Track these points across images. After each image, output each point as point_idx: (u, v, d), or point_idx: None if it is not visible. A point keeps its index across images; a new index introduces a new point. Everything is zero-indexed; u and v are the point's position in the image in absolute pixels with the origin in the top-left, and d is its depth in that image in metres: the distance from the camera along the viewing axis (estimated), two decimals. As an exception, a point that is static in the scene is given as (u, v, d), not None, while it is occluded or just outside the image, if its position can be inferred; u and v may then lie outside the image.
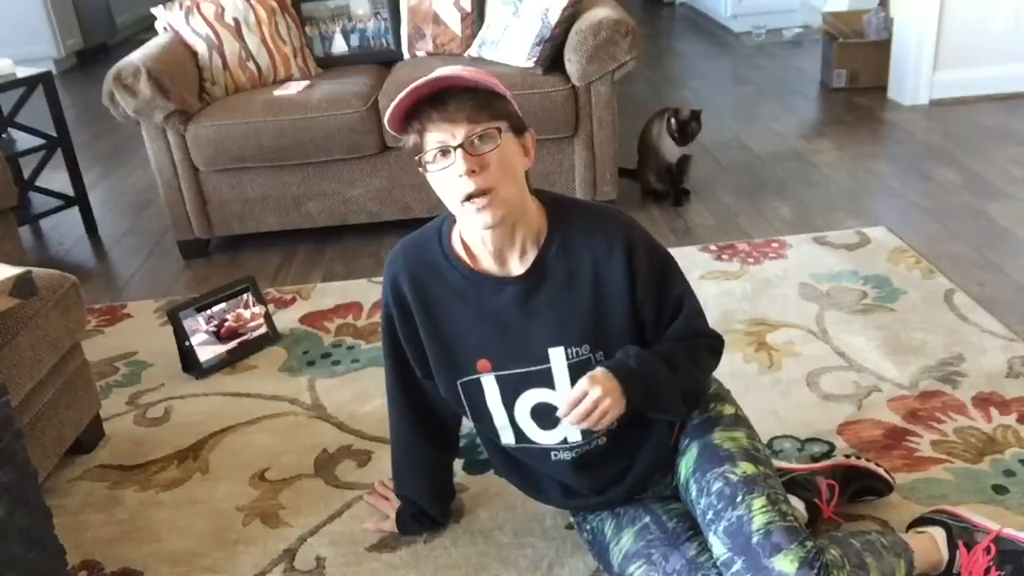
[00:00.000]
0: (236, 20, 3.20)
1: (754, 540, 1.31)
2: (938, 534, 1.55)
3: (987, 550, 1.50)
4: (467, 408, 1.53)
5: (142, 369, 2.46)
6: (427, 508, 1.73)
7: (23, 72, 3.37)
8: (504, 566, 1.65)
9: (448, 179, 1.32)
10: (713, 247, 2.87)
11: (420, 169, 1.37)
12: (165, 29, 3.24)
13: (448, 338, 1.47)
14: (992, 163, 3.39)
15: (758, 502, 1.35)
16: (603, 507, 1.57)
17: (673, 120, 3.13)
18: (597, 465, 1.53)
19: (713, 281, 2.65)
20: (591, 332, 1.42)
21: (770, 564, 1.28)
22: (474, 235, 1.42)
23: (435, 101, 1.29)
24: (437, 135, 1.31)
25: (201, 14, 3.18)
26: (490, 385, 1.47)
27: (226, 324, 2.45)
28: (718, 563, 1.35)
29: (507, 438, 1.53)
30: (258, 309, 2.52)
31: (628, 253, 1.40)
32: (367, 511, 1.83)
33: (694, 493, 1.44)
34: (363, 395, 2.21)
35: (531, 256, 1.42)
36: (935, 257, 2.68)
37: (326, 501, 1.87)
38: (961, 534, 1.53)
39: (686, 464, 1.48)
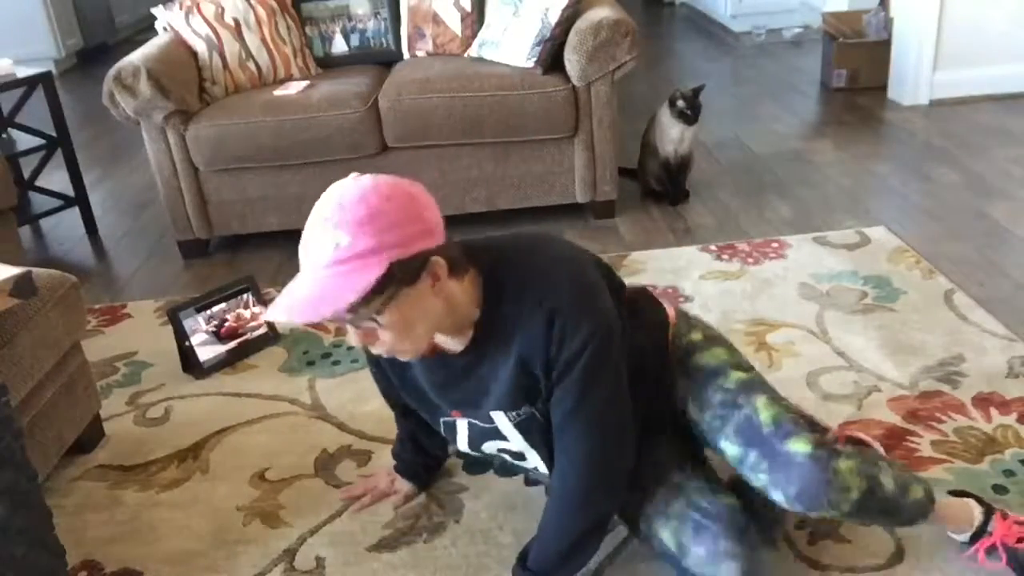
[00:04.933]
0: (236, 20, 3.20)
1: (765, 431, 1.40)
2: (972, 502, 1.60)
3: (1022, 523, 1.55)
4: (450, 439, 1.65)
5: (142, 369, 2.46)
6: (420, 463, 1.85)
7: (23, 72, 3.37)
8: (504, 566, 1.65)
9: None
10: (713, 247, 2.87)
11: None
12: (165, 29, 3.23)
13: (420, 395, 1.58)
14: (992, 163, 3.39)
15: (760, 400, 1.44)
16: None
17: (681, 100, 3.12)
18: None
19: (713, 281, 2.65)
20: (526, 397, 1.44)
21: (784, 447, 1.37)
22: None
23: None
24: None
25: (201, 14, 3.18)
26: (462, 430, 1.58)
27: (226, 324, 2.45)
28: (731, 464, 1.44)
29: (496, 463, 1.71)
30: (258, 309, 2.52)
31: (548, 327, 1.35)
32: (370, 510, 1.84)
33: (696, 412, 1.50)
34: (363, 395, 2.21)
35: (469, 335, 1.43)
36: (935, 257, 2.68)
37: (326, 501, 1.87)
38: (996, 509, 1.59)
39: (683, 387, 1.53)
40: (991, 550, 1.54)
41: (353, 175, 1.33)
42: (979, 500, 1.60)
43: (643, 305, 1.61)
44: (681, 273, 2.72)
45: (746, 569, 1.39)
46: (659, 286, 2.64)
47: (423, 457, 1.85)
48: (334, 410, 2.18)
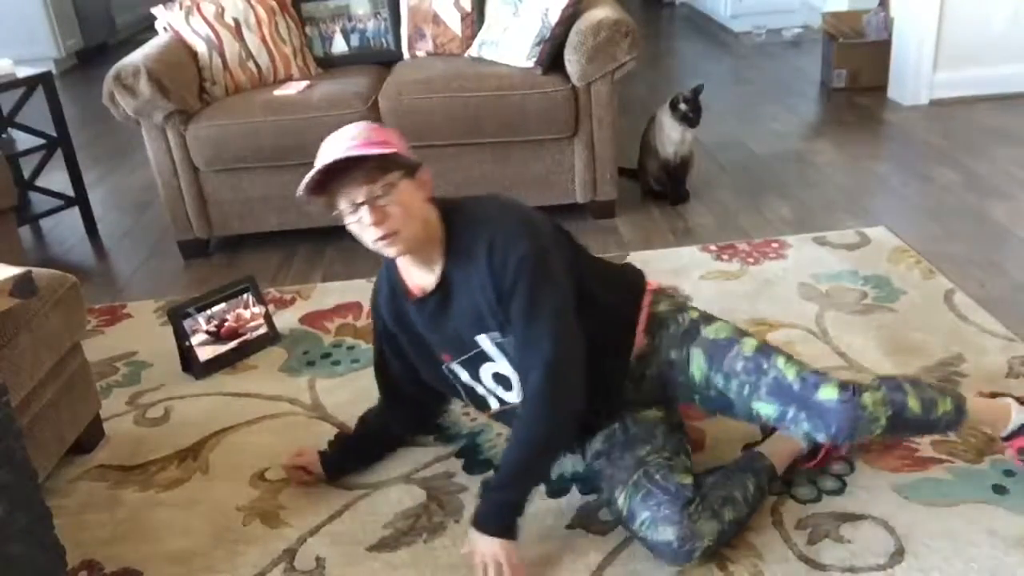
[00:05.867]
0: (236, 20, 3.20)
1: (796, 388, 1.59)
2: (1012, 402, 1.76)
3: None
4: (458, 389, 1.81)
5: (142, 369, 2.46)
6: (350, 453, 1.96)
7: (23, 72, 3.37)
8: (504, 566, 1.65)
9: (361, 227, 1.58)
10: (713, 247, 2.87)
11: (340, 221, 1.62)
12: (165, 29, 3.23)
13: (418, 345, 1.79)
14: (992, 163, 3.39)
15: (780, 360, 1.63)
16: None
17: (683, 104, 3.12)
18: None
19: (713, 281, 2.65)
20: (496, 320, 1.63)
21: (816, 398, 1.57)
22: (400, 263, 1.72)
23: (341, 172, 1.54)
24: (347, 197, 1.56)
25: (201, 14, 3.18)
26: (459, 369, 1.76)
27: (226, 324, 2.45)
28: (772, 419, 1.62)
29: (494, 404, 1.79)
30: (258, 309, 2.52)
31: (489, 250, 1.60)
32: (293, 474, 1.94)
33: (722, 382, 1.66)
34: (363, 395, 2.20)
35: (439, 269, 1.66)
36: (935, 257, 2.68)
37: (326, 501, 1.87)
38: None
39: (698, 367, 1.69)
40: (1022, 451, 1.71)
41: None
42: (1021, 400, 1.75)
43: (626, 270, 1.88)
44: (681, 273, 2.72)
45: (680, 535, 1.56)
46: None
47: (363, 453, 1.97)
48: (334, 410, 2.18)
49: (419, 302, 1.70)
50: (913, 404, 1.61)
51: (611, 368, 1.74)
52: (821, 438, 1.60)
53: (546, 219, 1.72)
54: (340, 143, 1.56)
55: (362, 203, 1.54)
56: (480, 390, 1.78)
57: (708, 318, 1.76)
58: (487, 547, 1.58)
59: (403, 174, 1.57)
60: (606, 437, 1.75)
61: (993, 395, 1.82)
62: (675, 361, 1.71)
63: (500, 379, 1.73)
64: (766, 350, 1.66)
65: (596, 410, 1.77)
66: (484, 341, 1.68)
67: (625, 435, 1.73)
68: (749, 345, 1.67)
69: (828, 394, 1.57)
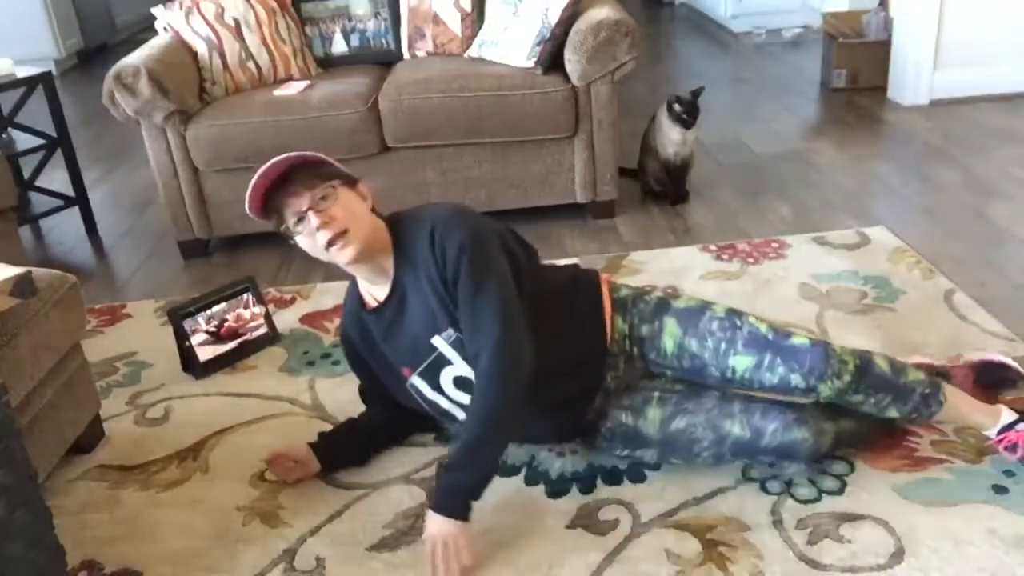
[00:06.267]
0: (236, 20, 3.20)
1: (770, 337, 1.73)
2: (1004, 408, 1.80)
3: None
4: (423, 406, 1.84)
5: (142, 369, 2.46)
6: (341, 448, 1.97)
7: (23, 72, 3.37)
8: (504, 566, 1.65)
9: (310, 237, 1.64)
10: (713, 247, 2.87)
11: (290, 241, 1.69)
12: (165, 29, 3.24)
13: (382, 363, 1.85)
14: (992, 163, 3.39)
15: (751, 319, 1.77)
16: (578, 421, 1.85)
17: (677, 105, 3.12)
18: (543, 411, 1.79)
19: (713, 281, 2.65)
20: (448, 315, 1.69)
21: (789, 343, 1.71)
22: (357, 276, 1.79)
23: (281, 184, 1.63)
24: (291, 208, 1.63)
25: (201, 14, 3.18)
26: (420, 383, 1.80)
27: (226, 324, 2.45)
28: (748, 371, 1.72)
29: (460, 414, 1.80)
30: (258, 309, 2.52)
31: (431, 241, 1.66)
32: (278, 474, 1.94)
33: (696, 345, 1.76)
34: (363, 395, 2.21)
35: (391, 277, 1.73)
36: (935, 257, 2.68)
37: (326, 501, 1.87)
38: None
39: (671, 335, 1.78)
40: (1013, 447, 1.75)
41: None
42: (1018, 412, 1.80)
43: (578, 268, 1.96)
44: (681, 273, 2.72)
45: (812, 431, 1.69)
46: (659, 286, 2.64)
47: (355, 442, 1.98)
48: (334, 410, 2.18)
49: (377, 312, 1.78)
50: (880, 362, 1.74)
51: (588, 356, 1.81)
52: (795, 380, 1.69)
53: (492, 221, 1.79)
54: (279, 158, 1.65)
55: (307, 209, 1.62)
56: (444, 404, 1.80)
57: (675, 295, 1.88)
58: (439, 528, 1.61)
59: (342, 182, 1.67)
60: (658, 405, 1.79)
61: (983, 365, 1.96)
62: (646, 337, 1.80)
63: (461, 383, 1.76)
64: (736, 311, 1.79)
65: (583, 403, 1.82)
66: (439, 342, 1.73)
67: (677, 392, 1.80)
68: (720, 308, 1.80)
69: (800, 340, 1.72)
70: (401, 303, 1.74)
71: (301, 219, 1.63)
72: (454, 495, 1.63)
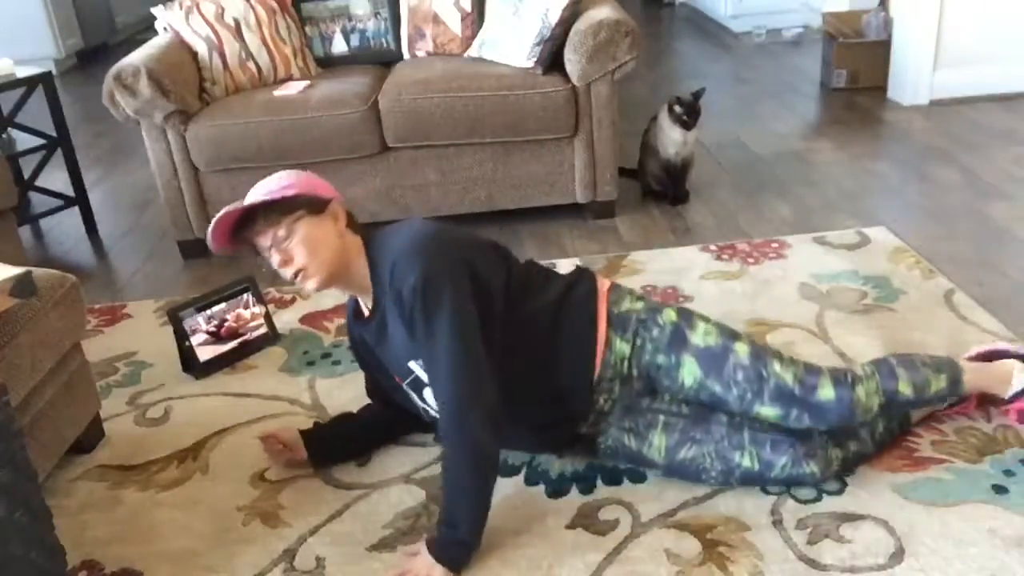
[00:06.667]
0: (236, 20, 3.20)
1: (797, 392, 1.69)
2: (1015, 363, 1.86)
3: None
4: (419, 410, 1.86)
5: (142, 369, 2.46)
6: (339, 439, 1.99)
7: (23, 72, 3.37)
8: (504, 566, 1.65)
9: (278, 268, 1.70)
10: (713, 247, 2.87)
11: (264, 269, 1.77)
12: (165, 29, 3.24)
13: (378, 366, 1.89)
14: (992, 163, 3.39)
15: (775, 366, 1.71)
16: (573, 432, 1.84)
17: (677, 106, 3.12)
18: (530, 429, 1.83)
19: (713, 281, 2.65)
20: (418, 348, 1.68)
21: (816, 399, 1.68)
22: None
23: (245, 223, 1.68)
24: (258, 243, 1.70)
25: (201, 14, 3.18)
26: (408, 390, 1.82)
27: (226, 324, 2.45)
28: (773, 419, 1.70)
29: None
30: (258, 309, 2.52)
31: (391, 277, 1.66)
32: (268, 455, 1.98)
33: (720, 390, 1.71)
34: (363, 395, 2.19)
35: (371, 297, 1.75)
36: (935, 257, 2.68)
37: (326, 501, 1.87)
38: None
39: (691, 374, 1.72)
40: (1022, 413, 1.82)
41: None
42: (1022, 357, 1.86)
43: (573, 276, 1.85)
44: (681, 273, 2.72)
45: (822, 466, 1.72)
46: (659, 286, 2.64)
47: (353, 442, 1.99)
48: (334, 410, 2.18)
49: (366, 324, 1.80)
50: (904, 389, 1.74)
51: (574, 385, 1.76)
52: (821, 427, 1.72)
53: (463, 240, 1.74)
54: (249, 196, 1.69)
55: (269, 247, 1.68)
56: (432, 412, 1.80)
57: (687, 317, 1.77)
58: (426, 568, 1.61)
59: (306, 212, 1.67)
60: (663, 432, 1.76)
61: (991, 355, 1.94)
62: (662, 366, 1.74)
63: None
64: (760, 355, 1.72)
65: (573, 423, 1.81)
66: (415, 367, 1.74)
67: (683, 417, 1.76)
68: (743, 351, 1.72)
69: (826, 395, 1.69)
70: (383, 322, 1.74)
71: (267, 251, 1.70)
72: (454, 550, 1.62)
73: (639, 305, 1.79)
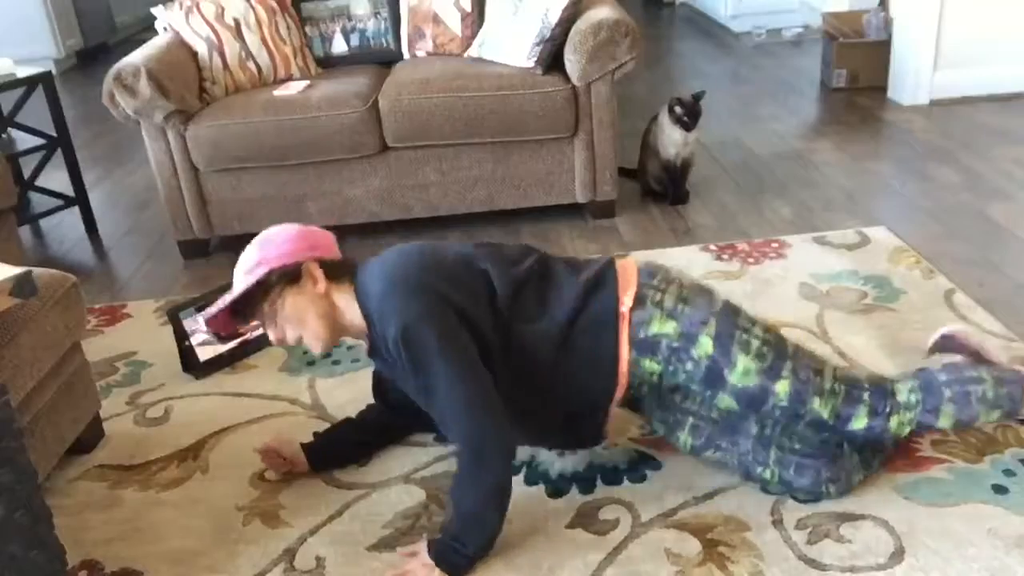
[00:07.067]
0: (236, 20, 3.20)
1: (831, 422, 1.66)
2: None
3: None
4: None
5: (142, 369, 2.46)
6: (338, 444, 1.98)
7: (23, 72, 3.37)
8: (504, 566, 1.65)
9: None
10: (713, 247, 2.87)
11: None
12: (165, 29, 3.24)
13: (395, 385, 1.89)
14: (992, 163, 3.39)
15: (815, 403, 1.64)
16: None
17: (678, 107, 3.13)
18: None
19: (713, 281, 2.65)
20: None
21: (847, 428, 1.66)
22: None
23: (237, 308, 1.73)
24: (257, 320, 1.75)
25: (201, 14, 3.18)
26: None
27: (226, 324, 2.45)
28: (810, 448, 1.68)
29: None
30: (258, 309, 2.52)
31: (373, 323, 1.67)
32: (269, 468, 1.97)
33: (753, 418, 1.69)
34: (363, 395, 2.19)
35: (368, 340, 1.75)
36: (935, 257, 2.68)
37: (326, 501, 1.87)
38: None
39: (726, 403, 1.68)
40: None
41: None
42: None
43: (589, 294, 1.70)
44: (681, 273, 2.71)
45: (840, 490, 1.70)
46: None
47: (354, 448, 1.99)
48: (334, 410, 2.18)
49: (376, 357, 1.78)
50: (944, 423, 1.69)
51: (589, 397, 1.71)
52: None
53: (432, 266, 1.68)
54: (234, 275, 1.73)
55: (264, 325, 1.74)
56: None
57: (724, 347, 1.63)
58: (424, 570, 1.60)
59: (283, 286, 1.68)
60: (691, 433, 1.74)
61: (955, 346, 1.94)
62: (697, 392, 1.70)
63: None
64: (801, 395, 1.64)
65: (583, 442, 1.83)
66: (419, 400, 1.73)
67: (712, 424, 1.73)
68: (783, 391, 1.64)
69: (858, 425, 1.66)
70: (383, 361, 1.75)
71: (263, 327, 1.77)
72: (455, 561, 1.61)
73: (670, 328, 1.65)
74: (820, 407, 1.64)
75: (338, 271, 1.72)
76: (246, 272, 1.70)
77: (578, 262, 1.80)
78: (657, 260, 2.80)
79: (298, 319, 1.69)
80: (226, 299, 1.70)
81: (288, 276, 1.68)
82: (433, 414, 1.67)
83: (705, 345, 1.63)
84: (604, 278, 1.71)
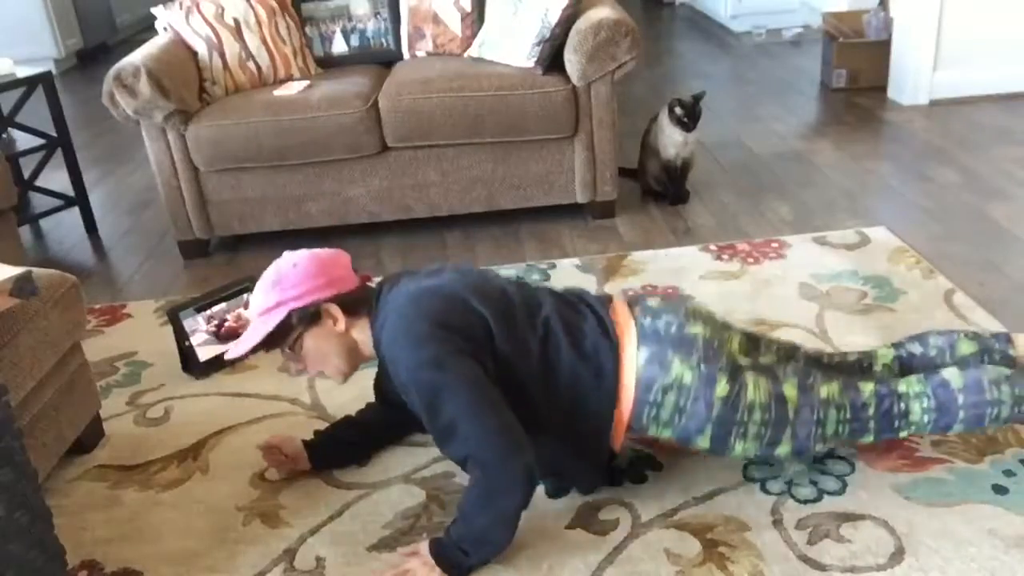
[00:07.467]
0: (236, 20, 3.20)
1: (841, 437, 1.68)
2: None
3: None
4: None
5: (142, 369, 2.46)
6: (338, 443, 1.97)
7: (23, 72, 3.37)
8: (504, 566, 1.65)
9: None
10: (713, 247, 2.87)
11: None
12: (165, 29, 3.24)
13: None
14: (992, 163, 3.39)
15: (819, 447, 1.67)
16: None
17: (678, 108, 3.13)
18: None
19: (713, 281, 2.65)
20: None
21: (859, 441, 1.69)
22: None
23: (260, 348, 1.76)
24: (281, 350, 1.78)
25: (201, 14, 3.18)
26: None
27: (226, 324, 2.45)
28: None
29: None
30: (258, 309, 2.52)
31: (382, 358, 1.72)
32: (271, 466, 1.97)
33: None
34: (363, 395, 2.19)
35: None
36: (935, 257, 2.68)
37: (326, 501, 1.87)
38: None
39: (743, 451, 1.69)
40: None
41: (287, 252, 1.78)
42: None
43: (593, 329, 1.70)
44: (681, 273, 2.72)
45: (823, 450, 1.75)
46: (659, 286, 2.64)
47: (355, 447, 1.99)
48: (334, 410, 2.18)
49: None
50: (958, 428, 1.70)
51: (590, 446, 1.72)
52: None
53: (446, 301, 1.66)
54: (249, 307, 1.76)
55: (287, 358, 1.79)
56: None
57: (719, 440, 1.65)
58: (424, 569, 1.60)
59: (303, 328, 1.71)
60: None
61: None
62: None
63: None
64: (803, 449, 1.67)
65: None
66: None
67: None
68: (784, 452, 1.68)
69: (868, 440, 1.70)
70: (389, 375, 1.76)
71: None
72: (456, 562, 1.60)
73: (667, 433, 1.69)
74: (824, 447, 1.70)
75: (356, 307, 1.74)
76: (263, 312, 1.71)
77: (578, 329, 1.71)
78: (657, 260, 2.81)
79: (318, 356, 1.74)
80: (248, 342, 1.72)
81: (308, 318, 1.71)
82: (449, 453, 1.64)
83: (702, 443, 1.68)
84: (601, 372, 1.67)
